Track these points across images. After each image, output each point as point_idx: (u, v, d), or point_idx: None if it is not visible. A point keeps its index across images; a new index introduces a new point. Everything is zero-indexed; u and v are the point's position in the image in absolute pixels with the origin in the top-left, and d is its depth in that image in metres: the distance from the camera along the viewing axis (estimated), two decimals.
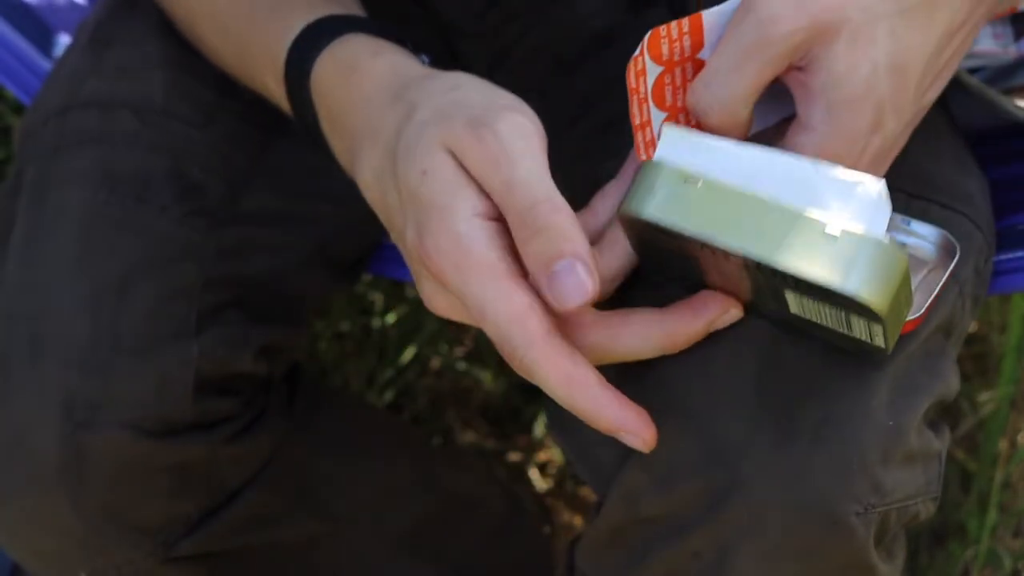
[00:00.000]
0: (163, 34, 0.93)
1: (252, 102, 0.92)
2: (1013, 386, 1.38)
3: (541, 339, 0.64)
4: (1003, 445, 1.41)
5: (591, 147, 0.90)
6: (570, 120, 0.93)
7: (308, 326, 1.00)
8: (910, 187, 0.80)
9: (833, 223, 0.61)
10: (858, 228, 0.61)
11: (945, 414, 0.83)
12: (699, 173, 0.63)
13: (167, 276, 0.86)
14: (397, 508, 1.10)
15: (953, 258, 0.73)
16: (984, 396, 1.44)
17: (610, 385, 0.65)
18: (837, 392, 0.71)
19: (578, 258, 0.63)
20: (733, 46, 0.67)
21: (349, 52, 0.78)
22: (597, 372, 0.65)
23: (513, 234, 0.65)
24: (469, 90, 0.70)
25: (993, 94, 0.90)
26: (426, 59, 0.80)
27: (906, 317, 0.66)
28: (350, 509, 1.05)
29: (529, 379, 0.65)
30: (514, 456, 1.48)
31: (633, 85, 0.70)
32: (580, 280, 0.63)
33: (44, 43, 1.11)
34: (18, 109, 1.61)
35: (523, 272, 0.65)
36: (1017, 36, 0.98)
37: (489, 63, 0.96)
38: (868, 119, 0.67)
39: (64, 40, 1.12)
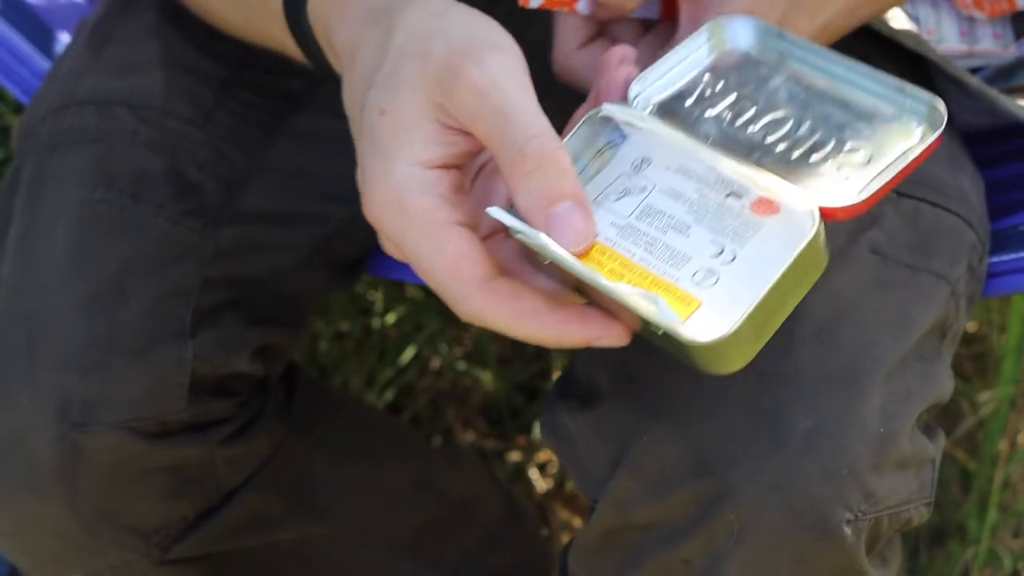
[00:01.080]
0: (162, 33, 0.93)
1: (250, 101, 0.92)
2: (1013, 386, 1.38)
3: (478, 286, 0.62)
4: (1003, 445, 1.41)
5: None
6: (567, 118, 0.92)
7: (306, 327, 0.99)
8: (901, 186, 0.80)
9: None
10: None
11: (942, 416, 0.82)
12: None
13: (163, 276, 0.86)
14: (395, 511, 1.10)
15: (940, 126, 0.68)
16: (984, 396, 1.43)
17: (558, 302, 0.63)
18: (828, 399, 0.71)
19: (577, 200, 0.62)
20: None
21: None
22: (543, 296, 0.63)
23: (505, 168, 0.63)
24: (453, 19, 0.67)
25: (994, 94, 0.90)
26: None
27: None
28: (348, 512, 1.05)
29: (481, 325, 0.64)
30: (514, 456, 1.48)
31: None
32: (581, 224, 0.62)
33: (45, 43, 1.11)
34: (18, 109, 1.61)
35: (460, 218, 0.63)
36: (1017, 36, 0.98)
37: None
38: None
39: (65, 39, 1.12)
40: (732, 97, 0.70)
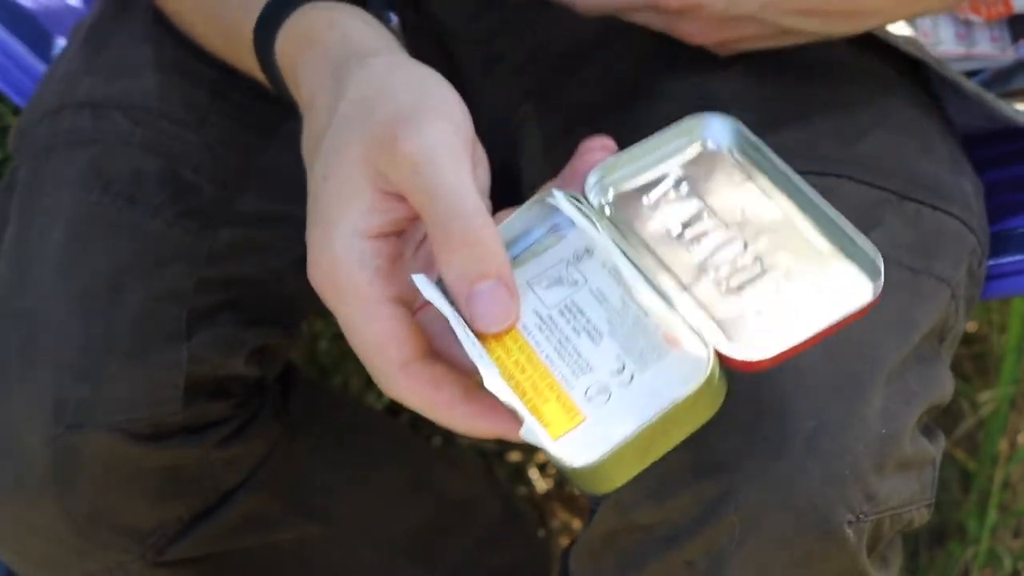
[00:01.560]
0: (157, 36, 0.93)
1: (245, 103, 0.91)
2: (1013, 386, 1.38)
3: (400, 369, 0.63)
4: (1003, 445, 1.41)
5: None
6: (565, 125, 0.92)
7: (305, 327, 0.99)
8: (902, 188, 0.80)
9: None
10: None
11: (942, 417, 0.82)
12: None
13: (159, 278, 0.86)
14: (393, 512, 1.10)
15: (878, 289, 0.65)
16: (984, 396, 1.43)
17: (477, 394, 0.63)
18: (829, 401, 0.71)
19: (503, 280, 0.62)
20: None
21: (307, 24, 0.75)
22: (461, 385, 0.63)
23: (434, 244, 0.62)
24: (400, 78, 0.66)
25: (991, 98, 0.90)
26: (394, 18, 0.77)
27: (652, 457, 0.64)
28: (345, 513, 1.05)
29: (401, 404, 0.64)
30: (514, 456, 1.48)
31: None
32: (503, 305, 0.62)
33: (42, 47, 1.11)
34: (18, 111, 1.61)
35: (393, 293, 0.63)
36: (1014, 39, 0.98)
37: (483, 67, 0.95)
38: None
39: (62, 44, 1.12)
40: (692, 203, 0.68)
